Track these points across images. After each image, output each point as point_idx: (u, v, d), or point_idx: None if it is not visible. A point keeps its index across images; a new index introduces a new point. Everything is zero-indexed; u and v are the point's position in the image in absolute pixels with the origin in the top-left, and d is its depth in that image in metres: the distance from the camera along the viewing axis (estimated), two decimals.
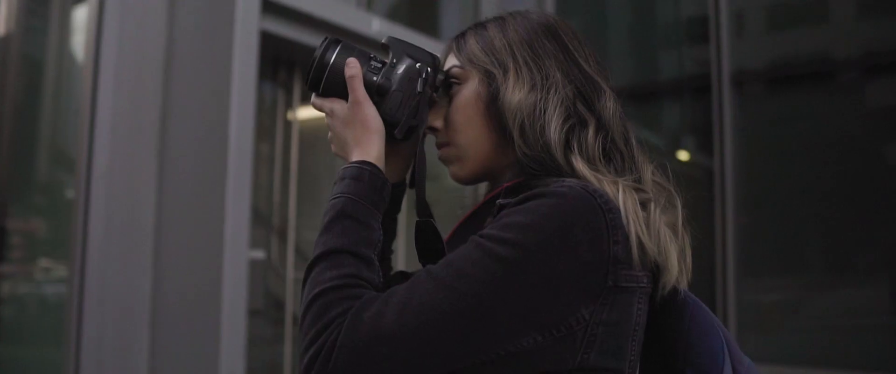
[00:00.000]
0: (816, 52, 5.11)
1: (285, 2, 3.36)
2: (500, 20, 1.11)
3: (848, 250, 4.61)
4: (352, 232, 0.95)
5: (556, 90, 1.01)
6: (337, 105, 1.05)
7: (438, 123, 1.10)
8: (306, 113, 3.97)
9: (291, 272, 3.77)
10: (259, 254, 3.54)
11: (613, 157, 1.01)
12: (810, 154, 4.74)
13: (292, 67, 3.85)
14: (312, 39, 3.57)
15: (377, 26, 3.74)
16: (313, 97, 1.09)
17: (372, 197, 1.00)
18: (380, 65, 1.06)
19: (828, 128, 4.94)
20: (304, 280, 0.95)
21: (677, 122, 5.16)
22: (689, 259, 0.99)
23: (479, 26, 1.12)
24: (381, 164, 1.03)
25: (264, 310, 3.71)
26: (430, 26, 4.80)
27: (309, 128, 3.98)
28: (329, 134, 1.09)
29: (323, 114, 1.10)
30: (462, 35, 1.13)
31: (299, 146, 3.85)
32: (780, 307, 4.39)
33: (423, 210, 1.04)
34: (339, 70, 1.04)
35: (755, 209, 4.55)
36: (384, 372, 0.84)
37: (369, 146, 1.02)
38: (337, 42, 1.06)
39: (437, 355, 0.84)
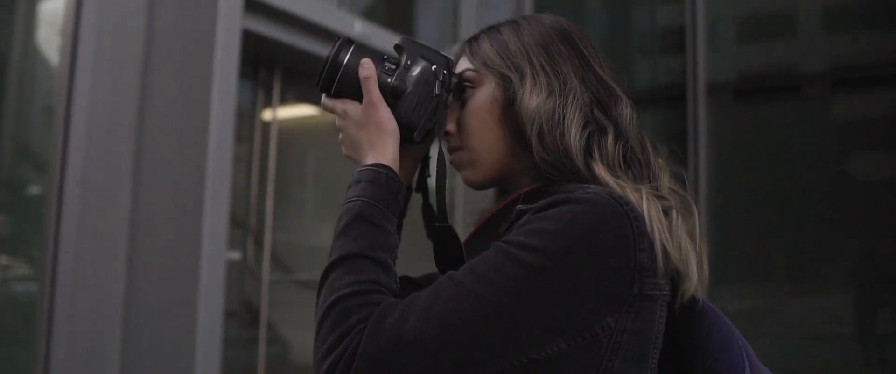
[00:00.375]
0: (785, 65, 5.20)
1: (269, 1, 3.33)
2: (513, 24, 1.10)
3: (814, 260, 4.70)
4: (369, 236, 0.94)
5: (574, 96, 1.01)
6: (350, 106, 1.04)
7: (451, 127, 1.09)
8: (285, 113, 3.94)
9: (267, 274, 3.73)
10: (235, 255, 3.50)
11: (632, 164, 1.01)
12: (778, 165, 4.82)
13: (272, 66, 3.82)
14: (294, 39, 3.54)
15: (359, 28, 3.73)
16: (324, 98, 1.07)
17: (388, 200, 0.98)
18: (393, 66, 1.05)
19: (795, 140, 5.03)
20: (321, 285, 0.93)
21: (651, 131, 5.22)
22: (705, 267, 0.99)
23: (493, 29, 1.11)
24: (396, 167, 1.02)
25: (239, 312, 3.66)
26: (405, 27, 4.79)
27: (287, 129, 3.95)
28: (339, 136, 1.07)
29: (333, 114, 1.08)
30: (475, 38, 1.12)
31: (277, 147, 3.82)
32: (747, 315, 4.45)
33: (443, 216, 1.02)
34: (352, 71, 1.03)
35: (725, 219, 4.62)
36: None
37: (385, 149, 1.01)
38: (350, 42, 1.05)
39: (460, 362, 0.83)
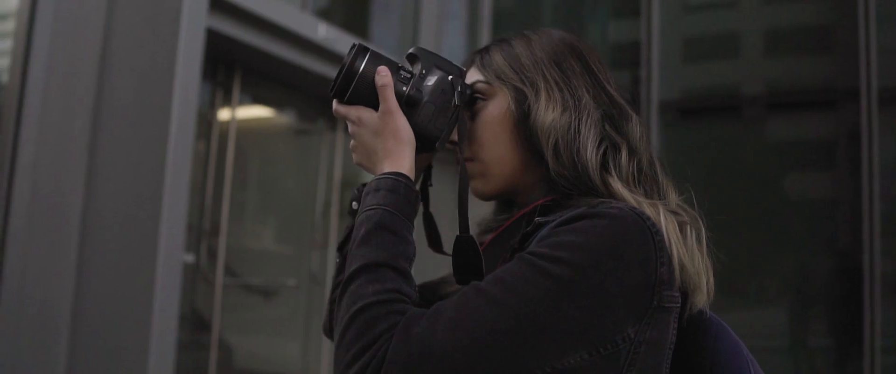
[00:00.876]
0: (727, 87, 5.35)
1: (234, 0, 3.28)
2: (524, 37, 1.11)
3: (749, 276, 4.85)
4: (390, 245, 0.94)
5: (588, 113, 1.03)
6: (365, 114, 1.03)
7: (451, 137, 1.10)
8: (244, 114, 3.88)
9: (221, 278, 3.66)
10: (188, 258, 3.42)
11: (644, 180, 1.04)
12: (717, 183, 4.97)
13: (233, 66, 3.76)
14: (256, 40, 3.50)
15: (324, 32, 3.70)
16: (336, 104, 1.06)
17: (407, 210, 0.99)
18: (408, 75, 1.05)
19: (733, 159, 5.20)
20: (342, 292, 0.93)
21: None
22: (711, 280, 1.02)
23: (503, 42, 1.12)
24: (413, 176, 1.02)
25: (190, 316, 3.59)
26: (360, 28, 4.78)
27: (246, 129, 3.89)
28: (351, 143, 1.07)
29: (347, 120, 1.07)
30: (486, 50, 1.12)
31: (235, 148, 3.76)
32: None
33: (465, 226, 1.03)
34: (368, 78, 1.02)
35: None
36: None
37: (402, 158, 1.01)
38: (365, 50, 1.05)
39: (486, 370, 0.85)
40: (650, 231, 0.90)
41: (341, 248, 1.18)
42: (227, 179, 3.72)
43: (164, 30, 3.14)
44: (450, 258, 1.15)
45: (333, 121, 4.39)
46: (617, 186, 0.99)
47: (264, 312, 4.02)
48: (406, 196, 0.98)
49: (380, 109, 1.02)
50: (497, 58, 1.09)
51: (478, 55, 1.12)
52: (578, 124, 1.01)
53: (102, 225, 3.12)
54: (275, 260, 4.23)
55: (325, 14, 4.35)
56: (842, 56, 4.92)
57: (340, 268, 1.18)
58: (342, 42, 3.89)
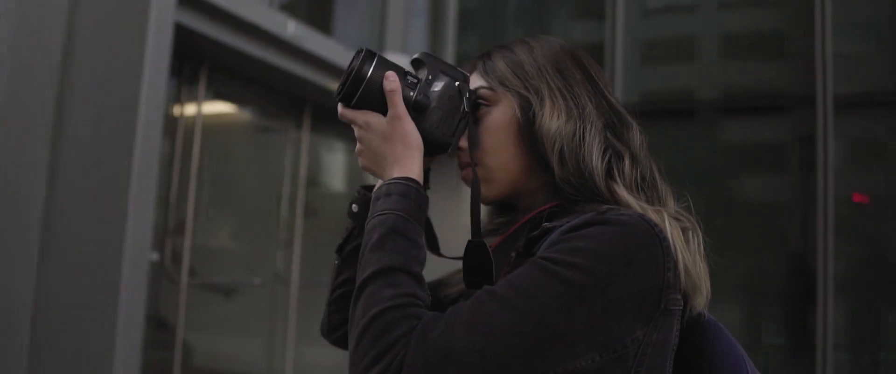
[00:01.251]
0: (684, 90, 5.44)
1: None
2: (525, 44, 1.13)
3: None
4: (404, 250, 0.95)
5: (591, 120, 1.05)
6: (374, 118, 1.04)
7: (462, 143, 1.11)
8: (210, 110, 3.83)
9: (185, 277, 3.62)
10: (153, 256, 3.37)
11: (645, 187, 1.07)
12: (671, 185, 5.05)
13: (199, 62, 3.71)
14: (224, 36, 3.46)
15: (292, 29, 3.67)
16: (342, 109, 1.07)
17: (418, 215, 1.00)
18: (415, 80, 1.06)
19: (688, 161, 5.29)
20: (356, 296, 0.94)
21: None
22: (708, 283, 1.05)
23: (504, 48, 1.13)
24: (422, 181, 1.03)
25: (154, 315, 3.53)
26: (324, 25, 4.75)
27: (211, 126, 3.84)
28: (358, 147, 1.07)
29: (354, 125, 1.08)
30: (488, 56, 1.14)
31: (201, 145, 3.71)
32: None
33: (477, 231, 1.04)
34: (376, 83, 1.03)
35: None
36: None
37: (411, 163, 1.02)
38: (373, 55, 1.05)
39: (502, 373, 0.87)
40: (658, 237, 0.93)
41: (340, 250, 1.18)
42: (192, 176, 3.67)
43: (131, 24, 3.09)
44: (445, 261, 1.17)
45: (299, 119, 4.37)
46: (622, 192, 1.02)
47: (229, 311, 3.98)
48: (417, 201, 1.00)
49: (389, 114, 1.02)
50: (500, 64, 1.10)
51: (480, 61, 1.13)
52: (583, 132, 1.03)
53: (66, 224, 3.05)
54: (239, 259, 4.18)
55: (289, 10, 4.31)
56: (796, 62, 5.04)
57: (339, 269, 1.18)
58: (311, 40, 3.86)
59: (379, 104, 1.03)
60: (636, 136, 1.09)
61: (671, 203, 1.08)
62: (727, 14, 5.43)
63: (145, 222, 3.06)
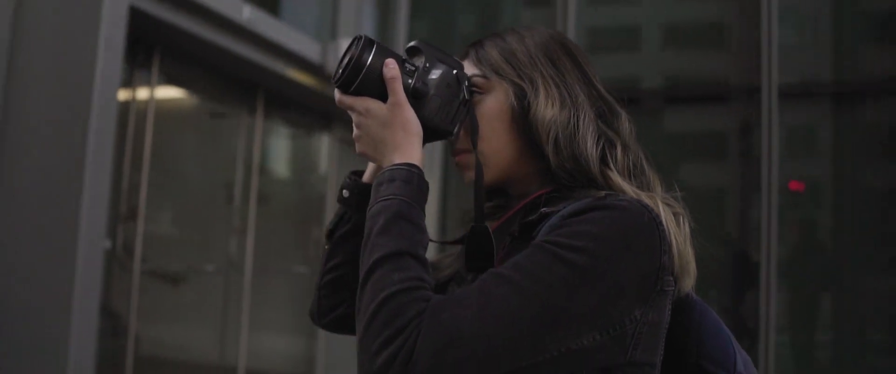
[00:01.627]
0: (628, 79, 5.54)
1: None
2: (516, 33, 1.15)
3: None
4: (410, 235, 0.97)
5: (584, 109, 1.08)
6: (373, 105, 1.05)
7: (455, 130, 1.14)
8: (162, 94, 3.76)
9: (138, 264, 3.56)
10: (105, 243, 3.30)
11: (637, 174, 1.10)
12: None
13: (152, 47, 3.63)
14: (178, 20, 3.39)
15: (248, 13, 3.63)
16: (340, 94, 1.08)
17: (421, 200, 1.02)
18: (413, 68, 1.07)
19: None
20: (364, 281, 0.96)
21: None
22: (695, 265, 1.10)
23: (497, 37, 1.15)
24: (423, 167, 1.06)
25: (107, 303, 3.46)
26: (273, 7, 4.70)
27: (164, 111, 3.77)
28: (355, 132, 1.08)
29: (352, 111, 1.09)
30: (480, 44, 1.15)
31: (153, 130, 3.64)
32: None
33: (480, 216, 1.07)
34: (376, 71, 1.04)
35: None
36: (463, 370, 0.88)
37: (412, 149, 1.04)
38: (372, 42, 1.07)
39: (509, 353, 0.90)
40: (655, 222, 0.97)
41: (330, 235, 1.19)
42: (144, 162, 3.60)
43: (85, 6, 3.01)
44: (433, 245, 1.19)
45: (253, 105, 4.32)
46: (616, 178, 1.05)
47: (181, 299, 3.93)
48: (419, 186, 1.01)
49: (389, 101, 1.04)
50: (493, 53, 1.12)
51: (472, 49, 1.15)
52: (577, 121, 1.06)
53: (18, 212, 2.97)
54: (192, 246, 4.13)
55: None
56: (738, 52, 5.18)
57: (330, 254, 1.19)
58: (266, 24, 3.82)
59: (378, 91, 1.04)
60: (625, 124, 1.12)
61: (658, 189, 1.11)
62: (672, 4, 5.54)
63: (100, 209, 3.01)
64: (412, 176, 1.01)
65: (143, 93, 3.66)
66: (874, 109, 4.94)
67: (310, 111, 4.82)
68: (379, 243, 0.96)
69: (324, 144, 4.99)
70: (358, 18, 4.70)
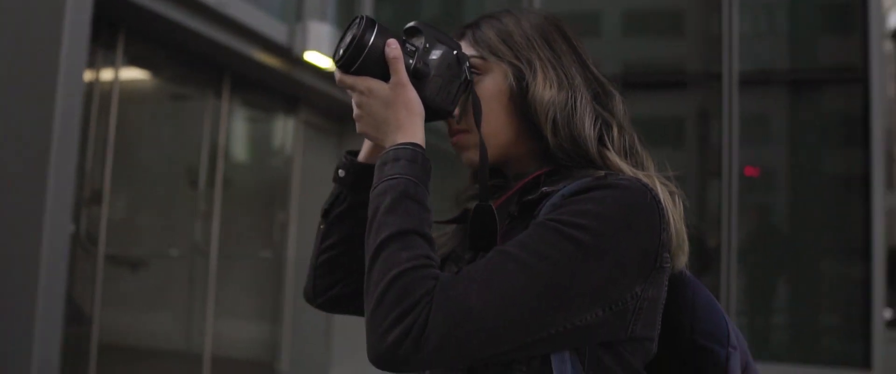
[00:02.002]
0: None
1: None
2: (512, 14, 1.16)
3: None
4: (416, 214, 0.99)
5: (581, 92, 1.10)
6: (375, 85, 1.05)
7: (456, 111, 1.14)
8: (127, 76, 3.68)
9: (102, 248, 3.49)
10: (70, 228, 3.23)
11: (631, 154, 1.13)
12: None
13: (116, 27, 3.55)
14: (145, 0, 3.32)
15: None
16: (340, 74, 1.08)
17: (425, 179, 1.03)
18: (413, 49, 1.08)
19: None
20: (373, 259, 0.96)
21: None
22: (687, 243, 1.12)
23: (493, 18, 1.16)
24: (424, 146, 1.06)
25: (71, 287, 3.39)
26: None
27: (129, 93, 3.69)
28: (356, 112, 1.09)
29: (354, 91, 1.09)
30: (476, 25, 1.16)
31: (118, 112, 3.57)
32: None
33: (485, 195, 1.09)
34: (378, 51, 1.05)
35: None
36: (472, 347, 0.91)
37: (415, 129, 1.05)
38: (373, 22, 1.07)
39: (517, 329, 0.92)
40: (655, 200, 0.99)
41: (326, 214, 1.20)
42: (108, 145, 3.53)
43: None
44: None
45: (219, 87, 4.25)
46: (614, 158, 1.07)
47: (146, 284, 3.86)
48: (423, 166, 1.03)
49: (391, 80, 1.04)
50: (490, 34, 1.13)
51: (469, 30, 1.16)
52: (574, 102, 1.08)
53: None
54: (157, 230, 4.06)
55: None
56: (697, 40, 5.27)
57: (326, 234, 1.19)
58: (233, 6, 3.76)
59: (379, 71, 1.05)
60: (619, 105, 1.14)
61: (652, 169, 1.13)
62: None
63: (66, 193, 2.94)
64: (417, 155, 1.02)
65: (107, 74, 3.58)
66: (829, 97, 5.08)
67: (276, 94, 4.77)
68: (386, 222, 0.97)
69: (290, 128, 4.94)
70: (323, 1, 4.65)
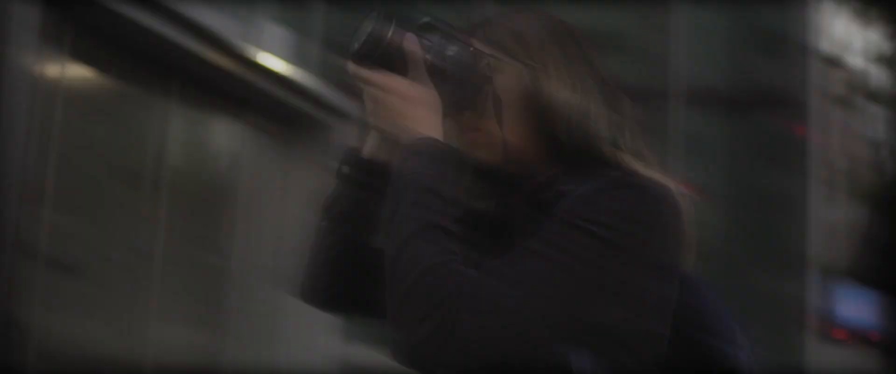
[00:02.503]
0: None
1: None
2: (522, 14, 1.18)
3: None
4: (440, 208, 0.99)
5: (592, 93, 1.12)
6: (392, 79, 1.06)
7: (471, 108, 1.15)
8: (74, 73, 3.55)
9: (43, 252, 3.35)
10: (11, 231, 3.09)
11: (642, 157, 1.14)
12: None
13: (64, 20, 3.42)
14: None
15: None
16: (357, 68, 1.07)
17: (447, 174, 1.04)
18: (429, 44, 1.09)
19: None
20: (398, 255, 0.97)
21: None
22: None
23: (504, 17, 1.18)
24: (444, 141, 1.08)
25: (4, 291, 3.24)
26: None
27: (75, 90, 3.57)
28: (371, 106, 1.08)
29: (369, 85, 1.09)
30: (488, 23, 1.18)
31: (63, 110, 3.45)
32: None
33: (505, 192, 1.11)
34: (395, 44, 1.05)
35: None
36: (499, 343, 0.92)
37: (434, 124, 1.06)
38: (390, 17, 1.07)
39: (545, 327, 0.93)
40: (673, 200, 1.02)
41: (328, 211, 1.19)
42: (52, 144, 3.40)
43: None
44: None
45: (169, 85, 4.15)
46: (628, 160, 1.09)
47: (87, 289, 3.73)
48: (445, 160, 1.04)
49: (409, 75, 1.05)
50: (503, 33, 1.14)
51: (480, 29, 1.16)
52: (588, 104, 1.09)
53: None
54: (100, 232, 3.93)
55: None
56: (641, 59, 5.39)
57: (328, 231, 1.18)
58: (186, 3, 3.68)
59: (394, 65, 1.05)
60: (629, 108, 1.16)
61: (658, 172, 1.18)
62: (578, 12, 5.67)
63: (10, 195, 2.82)
64: (437, 150, 1.03)
65: (53, 70, 3.45)
66: (764, 117, 5.26)
67: (226, 95, 4.67)
68: (410, 217, 0.97)
69: (238, 130, 4.86)
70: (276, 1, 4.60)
